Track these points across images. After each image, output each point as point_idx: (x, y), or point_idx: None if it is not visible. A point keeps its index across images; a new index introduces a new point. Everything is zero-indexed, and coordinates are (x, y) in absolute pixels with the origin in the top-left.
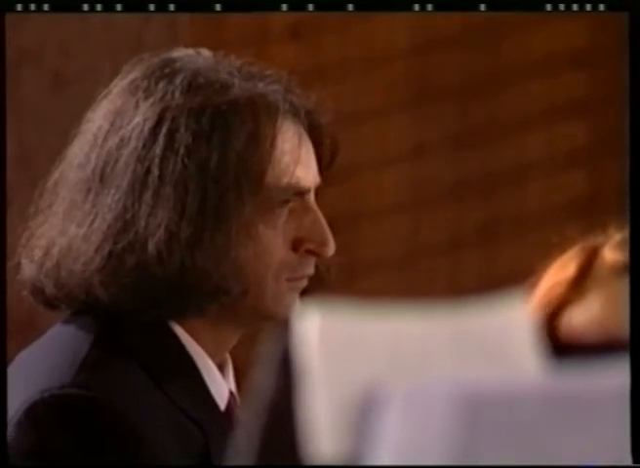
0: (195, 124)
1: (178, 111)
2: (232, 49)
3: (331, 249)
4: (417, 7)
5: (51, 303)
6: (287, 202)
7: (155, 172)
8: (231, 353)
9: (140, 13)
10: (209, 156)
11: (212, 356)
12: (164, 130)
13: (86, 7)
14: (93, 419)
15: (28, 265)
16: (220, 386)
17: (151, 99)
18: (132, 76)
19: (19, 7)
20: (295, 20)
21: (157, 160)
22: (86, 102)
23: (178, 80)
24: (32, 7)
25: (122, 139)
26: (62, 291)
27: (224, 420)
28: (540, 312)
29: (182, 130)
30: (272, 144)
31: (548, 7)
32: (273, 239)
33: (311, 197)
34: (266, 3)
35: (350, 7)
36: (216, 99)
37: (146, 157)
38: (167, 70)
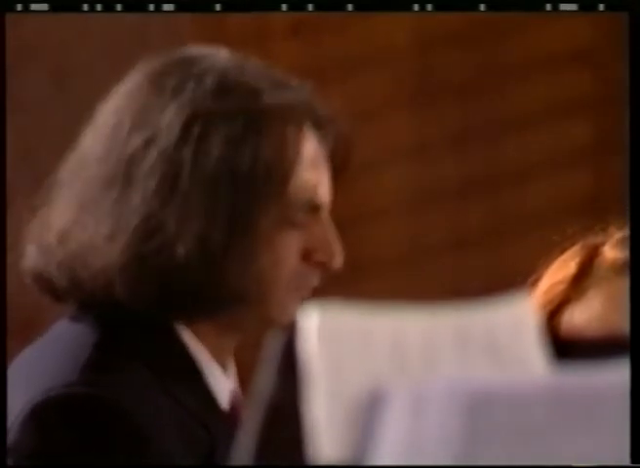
0: (227, 129)
1: (209, 114)
2: (233, 46)
3: (339, 262)
4: (416, 7)
5: (57, 295)
6: (305, 213)
7: (185, 175)
8: (236, 353)
9: (140, 13)
10: (239, 163)
11: (215, 357)
12: (195, 133)
13: (86, 7)
14: (98, 418)
15: (35, 254)
16: (224, 387)
17: (181, 100)
18: (154, 72)
19: (18, 7)
20: (296, 18)
21: (187, 163)
22: (87, 101)
23: (207, 81)
24: (32, 7)
25: (149, 139)
26: (76, 285)
27: (229, 421)
28: (541, 310)
29: (214, 134)
30: (298, 155)
31: (548, 7)
32: (289, 249)
33: (325, 209)
34: (266, 3)
35: (350, 7)
36: (247, 105)
37: (176, 159)
38: (194, 69)
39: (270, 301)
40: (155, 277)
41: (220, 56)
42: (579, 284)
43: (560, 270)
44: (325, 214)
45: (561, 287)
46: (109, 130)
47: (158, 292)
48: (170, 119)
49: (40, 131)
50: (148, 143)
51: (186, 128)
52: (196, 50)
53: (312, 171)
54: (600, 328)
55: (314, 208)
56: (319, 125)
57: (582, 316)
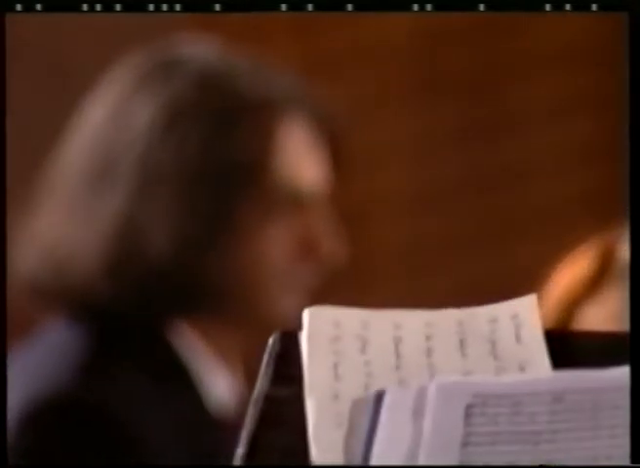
0: (206, 126)
1: (189, 112)
2: (232, 45)
3: (335, 257)
4: (416, 7)
5: (49, 300)
6: (289, 205)
7: (163, 176)
8: (243, 355)
9: (139, 13)
10: (219, 158)
11: (219, 357)
12: (174, 131)
13: (85, 7)
14: (91, 423)
15: (26, 260)
16: (225, 386)
17: (161, 99)
18: (138, 71)
19: (18, 7)
20: (295, 17)
21: (166, 161)
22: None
23: (189, 79)
24: (32, 7)
25: (130, 141)
26: (66, 291)
27: (228, 424)
28: (556, 309)
29: (193, 131)
30: (282, 147)
31: (548, 7)
32: (273, 243)
33: (320, 202)
34: (265, 3)
35: (349, 7)
36: (227, 102)
37: (156, 158)
38: (177, 68)
39: (261, 298)
40: (137, 278)
41: (206, 53)
42: (594, 282)
43: (574, 268)
44: (319, 206)
45: (576, 285)
46: (93, 133)
47: (142, 294)
48: (149, 118)
49: (40, 131)
50: (129, 146)
51: (166, 126)
52: (185, 47)
53: (296, 161)
54: (615, 327)
55: (299, 199)
56: (308, 115)
57: (598, 316)
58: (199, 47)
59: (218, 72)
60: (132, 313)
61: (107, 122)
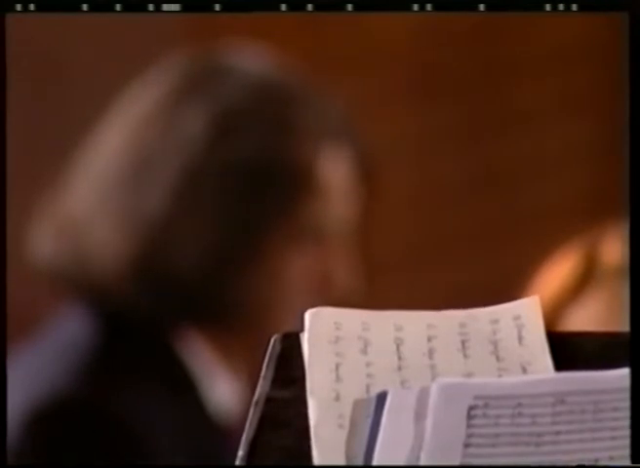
0: (254, 143)
1: (240, 127)
2: (233, 39)
3: (350, 293)
4: (416, 7)
5: (64, 284)
6: (319, 237)
7: (206, 185)
8: (245, 358)
9: (139, 13)
10: (262, 178)
11: (222, 366)
12: (219, 146)
13: (85, 7)
14: (95, 427)
15: (47, 244)
16: (229, 396)
17: (214, 109)
18: (187, 74)
19: (18, 7)
20: (295, 17)
21: (210, 174)
22: (86, 99)
23: (238, 94)
24: (32, 7)
25: (174, 145)
26: (82, 276)
27: (233, 431)
28: (542, 311)
29: (237, 150)
30: (321, 179)
31: (548, 7)
32: (296, 271)
33: (344, 237)
34: (265, 3)
35: (349, 7)
36: (277, 124)
37: (201, 168)
38: (231, 77)
39: (270, 316)
40: (159, 282)
41: (261, 67)
42: (579, 285)
43: (559, 271)
44: (342, 241)
45: (560, 288)
46: (133, 131)
47: (160, 299)
48: (196, 131)
49: (40, 131)
50: (173, 150)
51: (212, 141)
52: (235, 55)
53: (332, 195)
54: (601, 329)
55: (326, 232)
56: (351, 150)
57: (583, 318)
58: (250, 56)
59: (273, 90)
60: (144, 316)
61: (152, 121)
